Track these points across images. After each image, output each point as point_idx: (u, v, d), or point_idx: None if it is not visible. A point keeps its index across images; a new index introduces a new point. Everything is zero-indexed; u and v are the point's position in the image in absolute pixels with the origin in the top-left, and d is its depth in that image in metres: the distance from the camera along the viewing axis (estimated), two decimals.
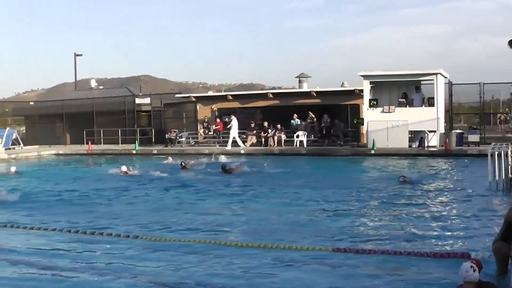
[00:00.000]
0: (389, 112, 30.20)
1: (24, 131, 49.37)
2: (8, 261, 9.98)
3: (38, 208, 15.91)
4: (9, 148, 37.50)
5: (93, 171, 26.15)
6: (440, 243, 10.58)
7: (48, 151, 37.37)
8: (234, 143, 34.74)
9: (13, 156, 34.17)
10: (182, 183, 20.50)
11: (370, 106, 30.63)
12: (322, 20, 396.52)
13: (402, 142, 29.57)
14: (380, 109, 30.44)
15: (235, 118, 35.53)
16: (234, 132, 35.00)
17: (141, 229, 12.32)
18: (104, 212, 14.98)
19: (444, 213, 13.62)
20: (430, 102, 30.14)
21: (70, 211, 15.18)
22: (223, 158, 29.04)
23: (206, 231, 12.14)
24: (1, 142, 35.30)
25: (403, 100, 30.84)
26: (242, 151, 32.94)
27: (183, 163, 25.49)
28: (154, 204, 16.26)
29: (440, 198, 15.95)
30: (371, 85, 31.46)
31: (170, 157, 29.04)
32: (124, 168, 24.41)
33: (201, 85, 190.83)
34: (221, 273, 9.01)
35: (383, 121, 29.83)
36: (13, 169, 25.77)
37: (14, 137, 39.87)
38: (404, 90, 31.59)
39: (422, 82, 31.45)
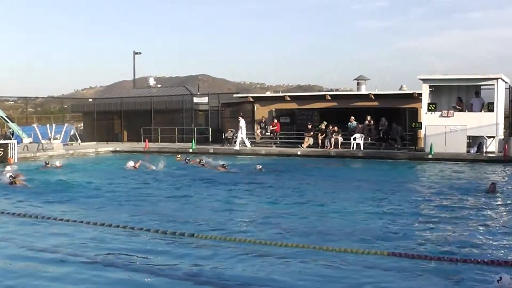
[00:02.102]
0: (447, 116, 29.93)
1: (82, 128, 50.37)
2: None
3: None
4: (67, 144, 38.35)
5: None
6: (500, 251, 10.53)
7: (105, 148, 38.08)
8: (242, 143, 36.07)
9: (70, 152, 35.01)
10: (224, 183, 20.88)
11: (429, 110, 30.37)
12: (385, 23, 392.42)
13: (460, 147, 29.28)
14: (438, 113, 30.18)
15: (243, 119, 36.55)
16: (242, 132, 35.99)
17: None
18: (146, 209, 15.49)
19: (504, 221, 13.48)
20: (490, 107, 29.75)
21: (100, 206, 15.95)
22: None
23: (261, 231, 12.33)
24: (60, 138, 36.08)
25: (455, 105, 30.60)
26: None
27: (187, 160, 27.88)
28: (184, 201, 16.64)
29: (499, 205, 15.79)
30: (430, 89, 31.24)
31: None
32: (131, 163, 26.07)
33: (258, 86, 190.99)
34: (272, 273, 9.17)
35: (441, 126, 29.57)
36: (58, 163, 27.32)
37: (72, 133, 40.74)
38: (464, 94, 31.33)
39: (482, 87, 31.09)
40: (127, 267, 9.59)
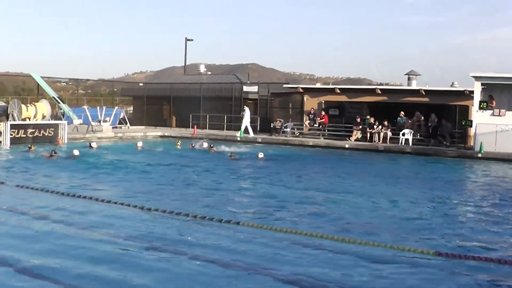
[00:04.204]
0: (499, 115, 29.36)
1: (131, 111, 50.80)
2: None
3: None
4: (116, 127, 38.75)
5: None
6: None
7: (154, 132, 38.34)
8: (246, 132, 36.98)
9: (119, 134, 35.45)
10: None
11: (480, 108, 29.80)
12: (436, 18, 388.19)
13: (511, 147, 28.70)
14: (490, 111, 29.60)
15: (248, 108, 37.70)
16: (246, 121, 36.94)
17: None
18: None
19: None
20: None
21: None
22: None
23: (301, 222, 12.29)
24: (109, 120, 36.50)
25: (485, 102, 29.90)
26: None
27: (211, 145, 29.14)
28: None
29: None
30: (483, 87, 30.62)
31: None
32: (140, 144, 29.56)
33: (308, 77, 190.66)
34: (315, 267, 9.13)
35: (493, 124, 29.02)
36: (94, 144, 28.02)
37: (121, 116, 41.18)
38: None
39: None
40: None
